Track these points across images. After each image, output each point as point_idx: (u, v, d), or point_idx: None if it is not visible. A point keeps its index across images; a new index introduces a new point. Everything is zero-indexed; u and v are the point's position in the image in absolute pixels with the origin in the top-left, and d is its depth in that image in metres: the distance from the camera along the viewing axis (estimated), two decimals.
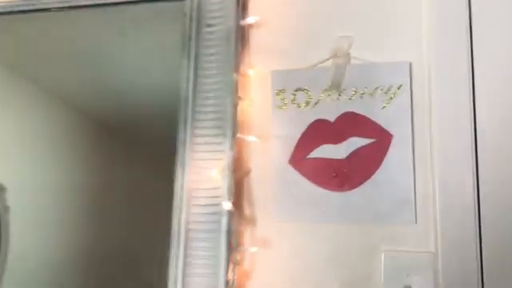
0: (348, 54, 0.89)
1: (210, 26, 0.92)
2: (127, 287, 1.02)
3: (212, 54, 0.91)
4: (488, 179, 0.79)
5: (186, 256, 0.85)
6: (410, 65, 0.86)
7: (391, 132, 0.85)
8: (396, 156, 0.84)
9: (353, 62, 0.89)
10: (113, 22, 1.09)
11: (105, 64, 1.14)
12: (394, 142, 0.84)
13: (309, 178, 0.87)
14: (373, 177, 0.84)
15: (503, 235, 0.77)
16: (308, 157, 0.88)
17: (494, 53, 0.81)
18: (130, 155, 1.12)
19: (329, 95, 0.88)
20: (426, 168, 0.83)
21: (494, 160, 0.79)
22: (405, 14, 0.88)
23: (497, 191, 0.79)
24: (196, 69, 0.90)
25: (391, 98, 0.86)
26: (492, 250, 0.77)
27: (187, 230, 0.86)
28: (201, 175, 0.87)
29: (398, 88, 0.85)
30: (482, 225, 0.78)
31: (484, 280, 0.77)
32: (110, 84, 1.15)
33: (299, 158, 0.88)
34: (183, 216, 0.86)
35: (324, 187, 0.86)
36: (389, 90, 0.86)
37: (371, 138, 0.85)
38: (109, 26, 1.10)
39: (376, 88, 0.86)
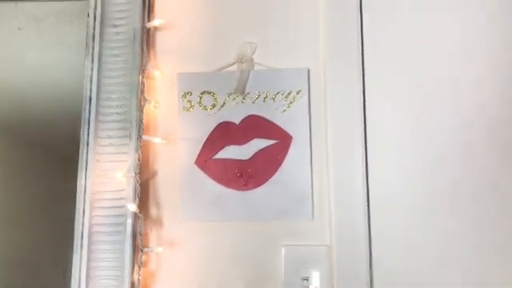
0: (252, 60, 0.93)
1: (114, 26, 0.91)
2: None
3: (116, 55, 0.90)
4: (376, 175, 0.87)
5: (89, 260, 0.84)
6: (308, 71, 0.92)
7: (291, 134, 0.90)
8: (295, 156, 0.90)
9: (256, 67, 0.93)
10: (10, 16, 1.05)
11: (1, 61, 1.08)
12: (293, 143, 0.90)
13: (214, 179, 0.90)
14: (274, 176, 0.89)
15: (390, 228, 0.86)
16: (214, 158, 0.91)
17: (384, 60, 0.90)
18: (31, 157, 1.07)
19: (234, 98, 0.92)
20: (322, 167, 0.89)
21: (383, 155, 0.88)
22: (304, 24, 0.94)
23: (385, 184, 0.87)
24: (100, 69, 0.89)
25: (291, 102, 0.91)
26: (381, 241, 0.86)
27: (90, 233, 0.84)
28: (105, 177, 0.86)
29: (297, 93, 0.91)
30: (371, 217, 0.86)
31: (373, 269, 0.85)
32: (8, 83, 1.09)
33: (205, 159, 0.91)
34: (86, 218, 0.85)
35: (229, 187, 0.90)
36: (289, 94, 0.91)
37: (273, 139, 0.91)
38: (5, 21, 1.05)
39: (277, 92, 0.92)
